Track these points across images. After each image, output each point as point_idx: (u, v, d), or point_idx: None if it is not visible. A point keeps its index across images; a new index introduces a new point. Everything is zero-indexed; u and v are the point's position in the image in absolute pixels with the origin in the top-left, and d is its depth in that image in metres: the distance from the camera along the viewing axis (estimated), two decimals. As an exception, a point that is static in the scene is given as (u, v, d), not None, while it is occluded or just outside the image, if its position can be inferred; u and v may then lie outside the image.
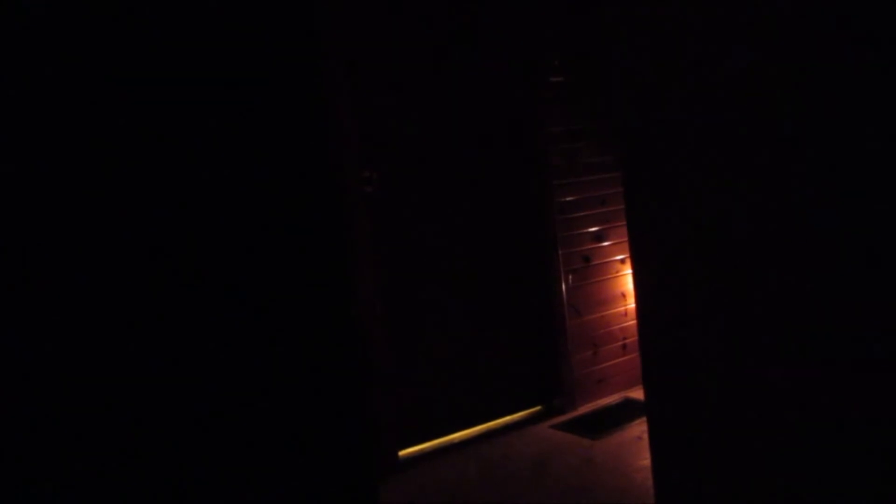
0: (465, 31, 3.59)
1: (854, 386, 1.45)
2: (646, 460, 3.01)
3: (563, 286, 3.78)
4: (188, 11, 1.66)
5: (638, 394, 3.80)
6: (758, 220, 1.59)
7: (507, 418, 3.72)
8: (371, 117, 3.30)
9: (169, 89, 1.65)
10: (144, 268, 1.65)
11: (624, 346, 4.02)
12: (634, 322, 3.85)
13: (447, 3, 3.54)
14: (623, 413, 3.70)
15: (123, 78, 1.57)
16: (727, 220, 1.65)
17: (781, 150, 1.52)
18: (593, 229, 3.89)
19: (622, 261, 3.98)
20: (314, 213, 1.90)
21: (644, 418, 2.56)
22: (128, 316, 1.61)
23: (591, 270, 3.90)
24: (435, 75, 3.50)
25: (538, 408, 3.81)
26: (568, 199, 3.79)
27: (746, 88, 1.57)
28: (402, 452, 3.39)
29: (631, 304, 3.97)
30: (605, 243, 3.95)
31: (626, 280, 3.99)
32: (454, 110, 3.55)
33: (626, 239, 3.73)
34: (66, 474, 1.53)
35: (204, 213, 1.74)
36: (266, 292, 1.83)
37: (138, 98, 1.59)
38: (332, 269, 1.94)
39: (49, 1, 1.45)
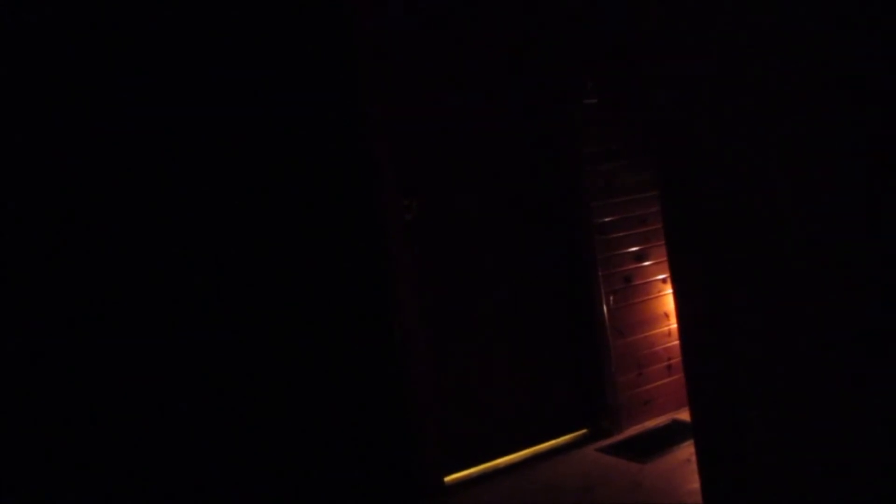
0: (498, 56, 3.63)
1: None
2: (696, 484, 2.94)
3: (605, 307, 3.75)
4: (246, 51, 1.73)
5: (686, 415, 3.72)
6: (801, 233, 1.57)
7: (553, 442, 3.69)
8: (408, 144, 3.35)
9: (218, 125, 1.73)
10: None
11: (669, 367, 3.96)
12: (678, 342, 3.79)
13: (479, 29, 3.59)
14: (671, 435, 3.64)
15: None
16: (768, 236, 1.64)
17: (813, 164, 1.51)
18: (633, 249, 3.87)
19: (664, 280, 3.93)
20: (356, 242, 1.95)
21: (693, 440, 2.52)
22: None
23: (632, 291, 3.87)
24: (470, 101, 3.54)
25: (584, 431, 3.77)
26: (606, 219, 3.78)
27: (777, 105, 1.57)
28: (448, 478, 3.38)
29: (674, 323, 3.91)
30: (646, 263, 3.91)
31: (668, 300, 3.94)
32: (490, 136, 3.59)
33: (666, 258, 3.69)
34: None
35: (248, 242, 1.80)
36: (310, 320, 1.88)
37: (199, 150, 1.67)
38: (374, 295, 1.97)
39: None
